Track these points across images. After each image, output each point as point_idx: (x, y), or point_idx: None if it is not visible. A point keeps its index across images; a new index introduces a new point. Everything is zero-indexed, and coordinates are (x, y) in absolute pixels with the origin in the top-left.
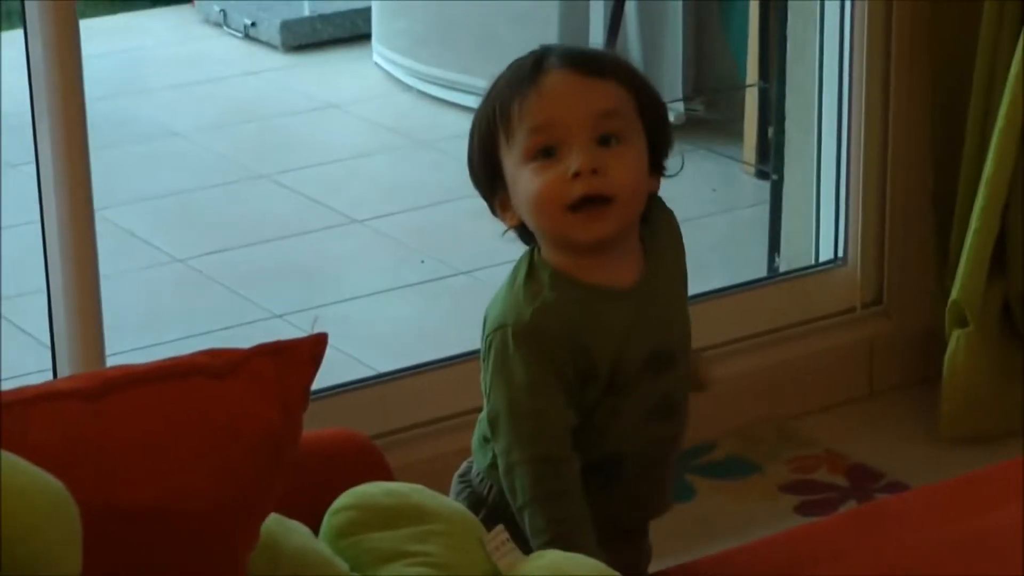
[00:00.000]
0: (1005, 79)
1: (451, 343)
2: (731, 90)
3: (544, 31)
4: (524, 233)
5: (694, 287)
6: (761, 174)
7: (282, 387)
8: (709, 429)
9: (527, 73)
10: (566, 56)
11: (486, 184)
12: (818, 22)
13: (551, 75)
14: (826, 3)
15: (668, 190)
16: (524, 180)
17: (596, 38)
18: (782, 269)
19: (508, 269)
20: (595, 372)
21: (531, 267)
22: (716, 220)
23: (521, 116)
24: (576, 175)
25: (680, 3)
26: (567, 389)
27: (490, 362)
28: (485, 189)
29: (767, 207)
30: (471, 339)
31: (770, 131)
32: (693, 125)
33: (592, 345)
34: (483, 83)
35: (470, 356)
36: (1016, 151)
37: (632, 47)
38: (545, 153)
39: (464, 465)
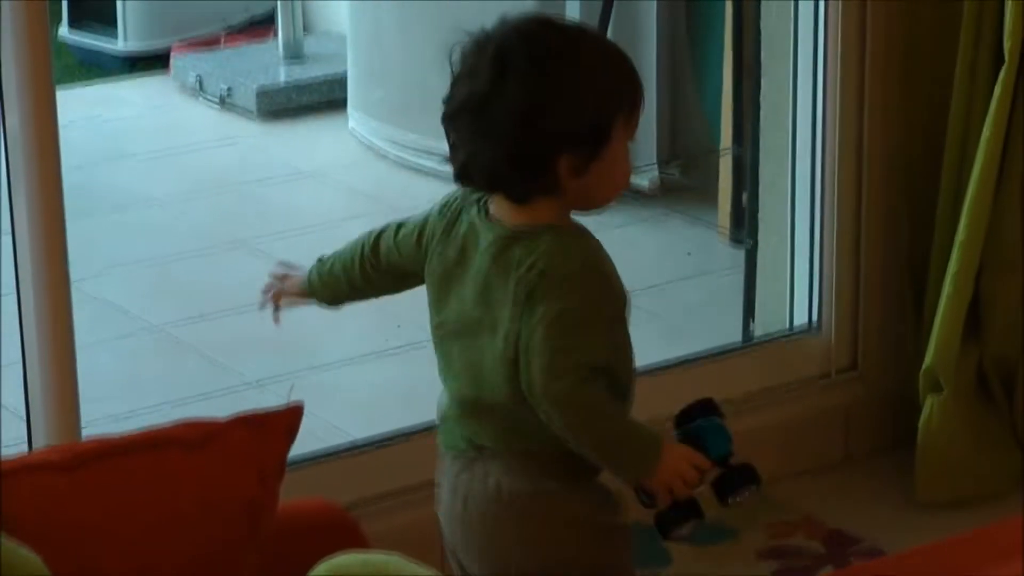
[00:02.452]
0: (978, 143)
1: (429, 409)
2: (705, 155)
3: None
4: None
5: (669, 352)
6: (736, 240)
7: (258, 458)
8: None
9: (637, 76)
10: None
11: (584, 139)
12: (791, 88)
13: None
14: (799, 70)
15: (643, 254)
16: (622, 160)
17: None
18: (757, 335)
19: None
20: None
21: (555, 227)
22: (691, 285)
23: (639, 113)
24: None
25: (655, 69)
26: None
27: (557, 294)
28: (573, 145)
29: (742, 273)
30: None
31: (744, 197)
32: (669, 190)
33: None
34: None
35: None
36: (988, 216)
37: None
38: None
39: None
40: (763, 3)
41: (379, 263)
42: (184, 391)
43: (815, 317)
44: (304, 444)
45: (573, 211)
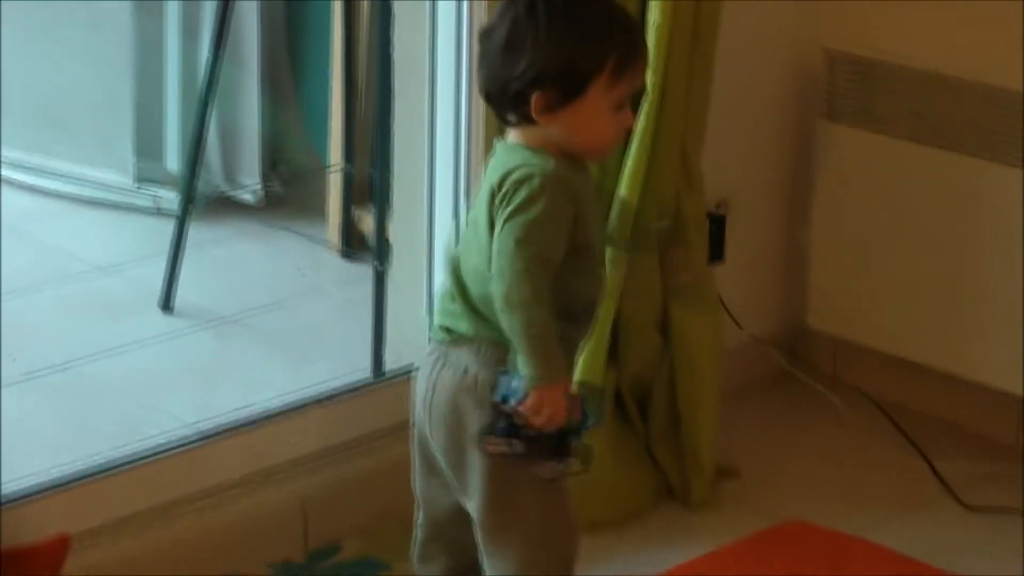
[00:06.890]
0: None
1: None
2: (315, 172)
3: (116, 116)
4: (522, 122)
5: (298, 381)
6: (346, 255)
7: None
8: (332, 530)
9: (638, 42)
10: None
11: (554, 83)
12: (428, 114)
13: (644, 50)
14: (438, 95)
15: (250, 272)
16: (605, 121)
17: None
18: (389, 365)
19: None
20: (580, 222)
21: (529, 148)
22: (306, 302)
23: (631, 77)
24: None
25: (256, 85)
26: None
27: (521, 196)
28: (544, 85)
29: (356, 289)
30: (83, 443)
31: (354, 213)
32: (273, 205)
33: (581, 197)
34: (48, 161)
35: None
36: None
37: (211, 127)
38: (620, 107)
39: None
40: (393, 28)
41: None
42: None
43: None
44: None
45: (563, 150)
